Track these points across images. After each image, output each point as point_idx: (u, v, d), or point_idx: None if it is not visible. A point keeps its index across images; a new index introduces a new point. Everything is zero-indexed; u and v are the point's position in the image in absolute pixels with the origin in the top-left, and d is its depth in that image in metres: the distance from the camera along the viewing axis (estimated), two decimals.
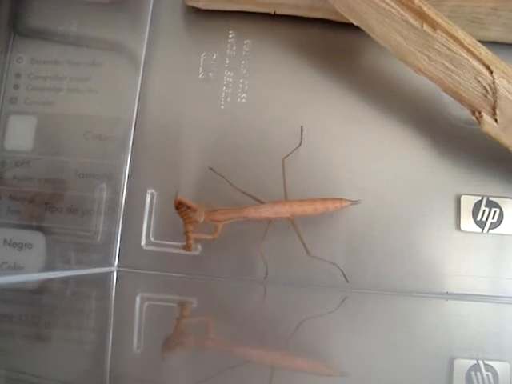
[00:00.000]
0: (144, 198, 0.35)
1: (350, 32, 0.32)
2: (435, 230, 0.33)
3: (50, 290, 0.32)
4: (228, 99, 0.35)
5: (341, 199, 0.32)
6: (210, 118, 0.35)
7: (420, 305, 0.33)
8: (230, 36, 0.36)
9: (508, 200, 0.33)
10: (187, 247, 0.31)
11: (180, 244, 0.32)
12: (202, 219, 0.31)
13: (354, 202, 0.32)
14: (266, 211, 0.32)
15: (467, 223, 0.33)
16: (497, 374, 0.22)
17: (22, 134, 0.34)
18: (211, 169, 0.34)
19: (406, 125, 0.34)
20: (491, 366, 0.22)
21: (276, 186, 0.32)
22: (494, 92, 0.28)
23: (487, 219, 0.33)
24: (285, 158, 0.33)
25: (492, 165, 0.33)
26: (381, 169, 0.34)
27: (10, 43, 0.35)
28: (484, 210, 0.33)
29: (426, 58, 0.29)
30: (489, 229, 0.33)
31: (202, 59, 0.36)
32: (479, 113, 0.29)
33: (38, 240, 0.33)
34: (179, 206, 0.31)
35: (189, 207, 0.31)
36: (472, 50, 0.28)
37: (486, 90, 0.28)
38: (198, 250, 0.34)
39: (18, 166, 0.34)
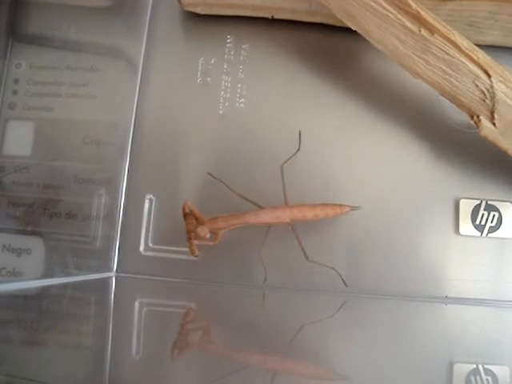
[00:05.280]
0: (142, 203, 0.35)
1: (347, 36, 0.32)
2: (434, 234, 0.33)
3: (48, 295, 0.31)
4: (226, 104, 0.35)
5: (341, 205, 0.32)
6: (208, 122, 0.35)
7: (419, 309, 0.33)
8: (228, 41, 0.36)
9: (507, 204, 0.33)
10: (191, 253, 0.31)
11: (179, 249, 0.33)
12: (207, 236, 0.31)
13: (354, 208, 0.32)
14: (267, 216, 0.32)
15: (466, 227, 0.33)
16: (496, 378, 0.22)
17: (20, 140, 0.34)
18: (210, 174, 0.34)
19: (405, 129, 0.34)
20: (491, 371, 0.22)
21: (275, 190, 0.32)
22: (492, 96, 0.28)
23: (486, 223, 0.33)
24: (284, 163, 0.33)
25: (491, 168, 0.33)
26: (380, 173, 0.34)
27: (9, 49, 0.35)
28: (483, 214, 0.33)
29: (423, 62, 0.29)
30: (488, 233, 0.33)
31: (200, 64, 0.36)
32: (477, 117, 0.29)
33: (36, 245, 0.33)
34: (186, 216, 0.31)
35: (196, 218, 0.31)
36: (470, 54, 0.28)
37: (484, 94, 0.29)
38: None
39: (16, 171, 0.34)
